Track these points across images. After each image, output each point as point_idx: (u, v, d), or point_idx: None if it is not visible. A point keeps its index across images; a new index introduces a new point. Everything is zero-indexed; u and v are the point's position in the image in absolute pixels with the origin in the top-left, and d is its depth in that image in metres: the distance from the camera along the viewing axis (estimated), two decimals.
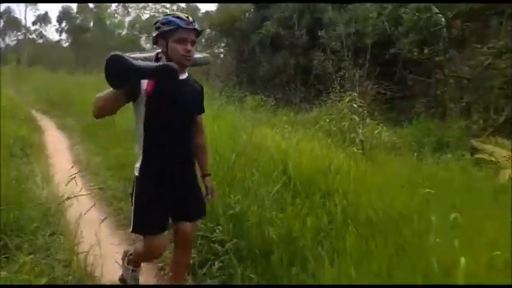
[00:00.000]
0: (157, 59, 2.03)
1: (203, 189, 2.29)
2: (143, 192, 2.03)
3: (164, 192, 2.05)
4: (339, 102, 8.14)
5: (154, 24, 2.00)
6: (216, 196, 2.36)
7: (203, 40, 21.32)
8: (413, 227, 2.76)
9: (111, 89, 1.80)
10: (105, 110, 1.88)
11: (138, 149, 2.05)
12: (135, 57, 1.98)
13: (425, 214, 2.95)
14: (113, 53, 1.73)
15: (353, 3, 9.70)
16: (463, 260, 2.24)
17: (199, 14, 30.82)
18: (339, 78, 10.37)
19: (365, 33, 12.64)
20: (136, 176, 2.05)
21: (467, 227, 2.89)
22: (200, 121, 2.23)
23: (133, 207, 2.06)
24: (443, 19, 9.65)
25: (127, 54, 2.01)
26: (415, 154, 5.73)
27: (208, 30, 19.76)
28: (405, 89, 12.06)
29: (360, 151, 5.65)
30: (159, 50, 2.04)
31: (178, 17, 1.94)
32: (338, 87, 9.42)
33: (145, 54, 2.28)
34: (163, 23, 1.95)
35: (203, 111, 2.24)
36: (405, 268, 2.32)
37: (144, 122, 1.98)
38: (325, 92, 10.65)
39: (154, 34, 1.99)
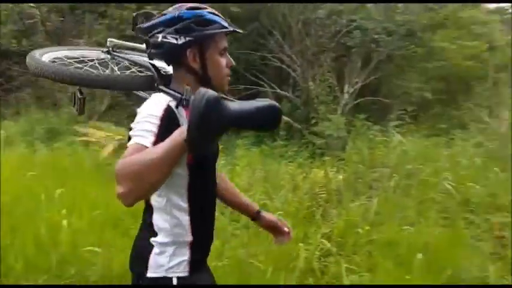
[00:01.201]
0: (163, 78, 1.23)
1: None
2: None
3: None
4: None
5: (176, 20, 1.10)
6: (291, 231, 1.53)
7: None
8: (24, 207, 3.13)
9: (146, 144, 0.99)
10: (155, 183, 0.95)
11: (171, 234, 1.16)
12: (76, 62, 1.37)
13: (35, 194, 3.39)
14: (208, 93, 0.87)
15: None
16: (65, 222, 2.96)
17: None
18: None
19: None
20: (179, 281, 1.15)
21: (74, 196, 3.58)
22: None
23: None
24: (38, 12, 9.91)
25: (45, 50, 1.38)
26: (25, 145, 5.94)
27: None
28: (12, 80, 11.58)
29: None
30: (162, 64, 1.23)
31: (215, 13, 1.16)
32: None
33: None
34: (196, 22, 1.10)
35: None
36: (19, 242, 2.69)
37: (189, 193, 1.17)
38: None
39: (178, 40, 1.10)
